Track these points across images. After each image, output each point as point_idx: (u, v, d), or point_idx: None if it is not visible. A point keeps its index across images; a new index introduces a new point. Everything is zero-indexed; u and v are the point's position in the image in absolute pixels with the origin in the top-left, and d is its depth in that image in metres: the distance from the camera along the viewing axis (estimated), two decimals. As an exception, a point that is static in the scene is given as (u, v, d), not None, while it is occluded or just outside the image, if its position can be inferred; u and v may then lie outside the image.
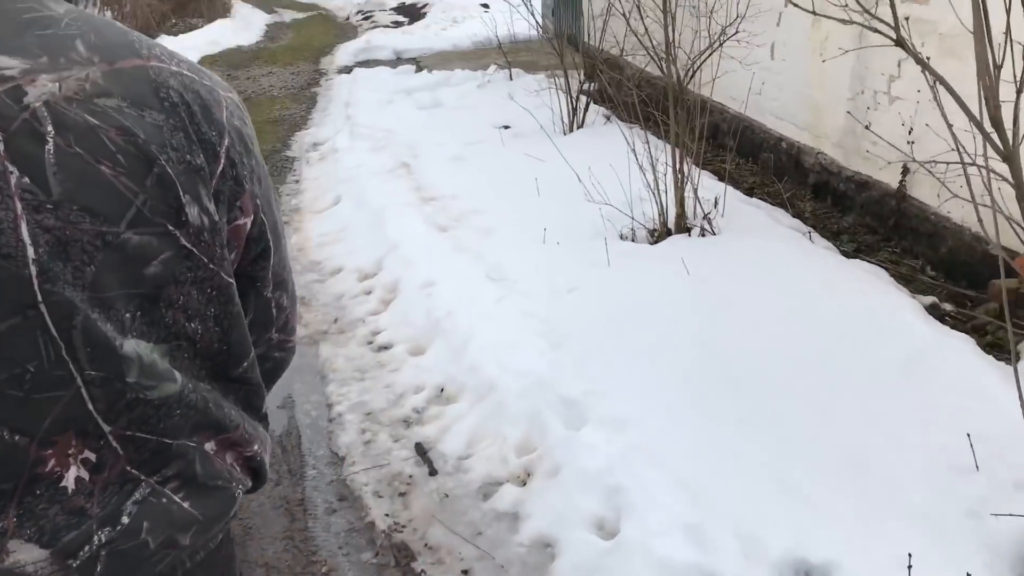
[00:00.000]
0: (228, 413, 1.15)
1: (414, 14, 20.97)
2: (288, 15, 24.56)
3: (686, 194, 5.45)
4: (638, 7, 6.00)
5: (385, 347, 4.59)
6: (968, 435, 3.03)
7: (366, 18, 21.26)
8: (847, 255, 5.21)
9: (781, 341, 3.93)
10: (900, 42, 3.05)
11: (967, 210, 4.92)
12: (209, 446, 1.13)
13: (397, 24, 19.75)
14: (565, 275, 4.85)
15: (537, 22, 15.22)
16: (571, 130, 7.88)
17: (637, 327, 4.18)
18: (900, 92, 5.43)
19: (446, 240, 5.59)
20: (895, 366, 3.71)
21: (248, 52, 16.12)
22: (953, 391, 3.50)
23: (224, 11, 20.53)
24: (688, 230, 5.47)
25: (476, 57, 13.53)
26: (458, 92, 9.94)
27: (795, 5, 3.49)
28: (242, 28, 19.15)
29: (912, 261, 5.23)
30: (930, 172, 3.69)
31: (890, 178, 5.57)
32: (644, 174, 5.46)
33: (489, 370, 3.93)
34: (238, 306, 1.13)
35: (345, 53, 14.35)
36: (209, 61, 14.76)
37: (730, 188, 5.77)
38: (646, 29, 5.71)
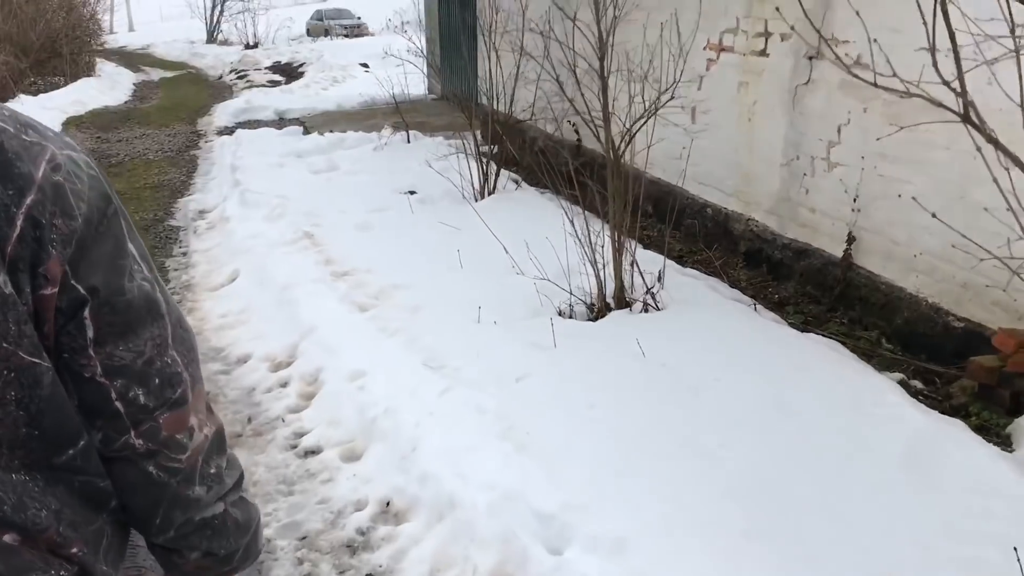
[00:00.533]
0: (34, 514, 1.02)
1: (291, 73, 20.36)
2: (156, 74, 23.56)
3: (624, 266, 5.08)
4: (556, 75, 5.67)
5: (313, 452, 3.97)
6: (1015, 549, 2.67)
7: (240, 77, 20.52)
8: (797, 327, 4.91)
9: (769, 435, 3.54)
10: (967, 119, 2.74)
11: (921, 280, 4.71)
12: (10, 538, 1.00)
13: (274, 83, 19.10)
14: (510, 360, 4.36)
15: (432, 83, 14.91)
16: (482, 196, 7.45)
17: (605, 421, 3.73)
18: (841, 158, 5.21)
19: (369, 322, 5.03)
20: (897, 460, 3.36)
21: (118, 113, 15.17)
22: (968, 489, 3.16)
23: (88, 69, 19.46)
24: (629, 305, 5.08)
25: (363, 117, 13.04)
26: (354, 155, 9.41)
27: (884, 88, 3.13)
28: (108, 87, 18.14)
29: (865, 333, 4.97)
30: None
31: (832, 246, 5.33)
32: (581, 246, 5.06)
33: (447, 481, 3.38)
34: (52, 388, 1.01)
35: (224, 113, 13.63)
36: (75, 123, 13.78)
37: (664, 259, 5.44)
38: (574, 95, 5.36)
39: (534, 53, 6.65)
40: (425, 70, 15.32)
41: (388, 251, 6.22)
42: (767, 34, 5.75)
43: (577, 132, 7.80)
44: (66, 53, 18.25)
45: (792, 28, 4.61)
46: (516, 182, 7.91)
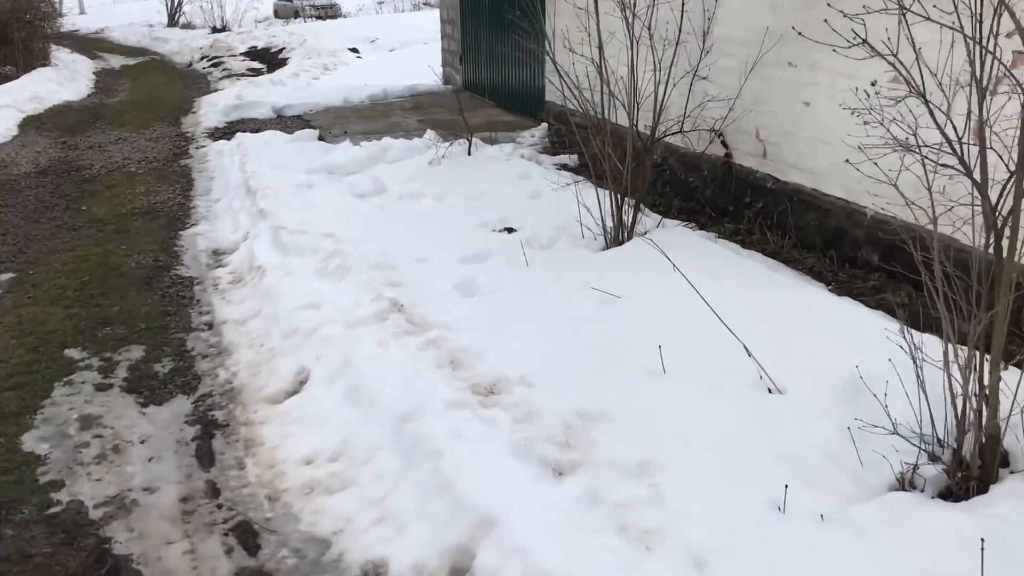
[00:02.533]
0: None
1: (272, 60, 17.94)
2: (116, 60, 20.94)
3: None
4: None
5: None
6: None
7: (214, 64, 18.05)
8: None
9: None
10: None
11: None
12: None
13: (255, 72, 16.70)
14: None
15: (449, 71, 12.62)
16: (617, 239, 5.31)
17: None
18: None
19: (584, 508, 2.91)
20: None
21: (83, 110, 12.70)
22: None
23: (42, 58, 16.88)
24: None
25: (379, 115, 10.83)
26: (403, 172, 7.24)
27: None
28: (67, 79, 15.61)
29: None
30: None
31: None
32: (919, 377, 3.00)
33: None
34: None
35: (212, 110, 11.30)
36: (34, 125, 11.34)
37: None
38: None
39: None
40: (440, 57, 13.13)
41: (530, 338, 4.10)
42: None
43: (725, 144, 5.74)
44: (17, 40, 15.65)
45: None
46: (648, 214, 5.81)
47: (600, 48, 5.18)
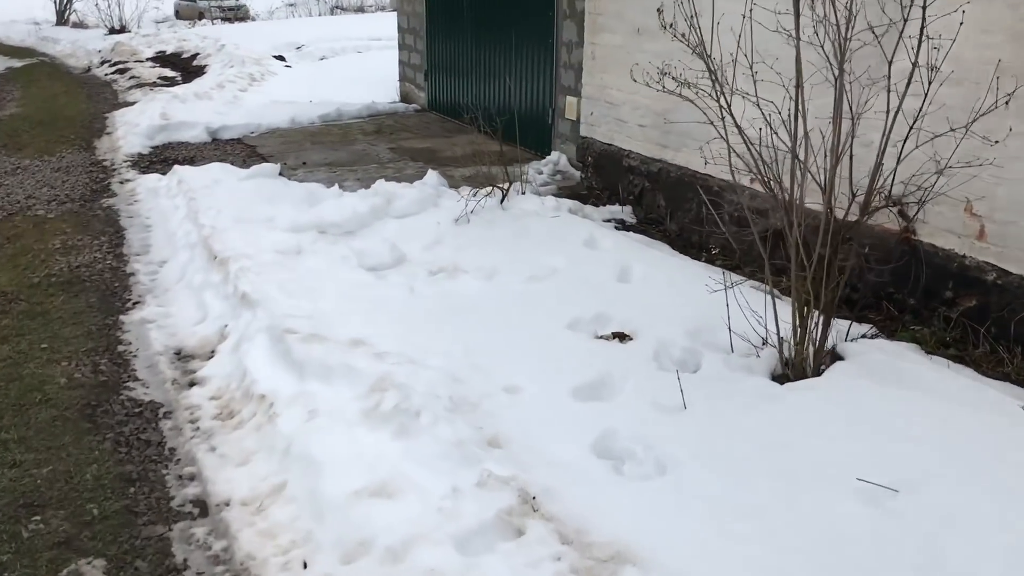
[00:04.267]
0: None
1: (186, 67, 15.64)
2: None
3: None
4: None
5: None
6: None
7: (119, 71, 15.64)
8: None
9: None
10: None
11: None
12: None
13: (168, 81, 14.42)
14: None
15: (408, 88, 10.60)
16: (802, 370, 3.60)
17: None
18: None
19: None
20: None
21: (-36, 126, 10.32)
22: None
23: (-88, 58, 14.20)
24: None
25: (337, 140, 8.94)
26: (421, 232, 5.38)
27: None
28: (-57, 84, 13.06)
29: None
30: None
31: None
32: None
33: None
34: None
35: (132, 132, 9.14)
36: (-97, 145, 8.97)
37: None
38: None
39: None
40: (398, 71, 11.26)
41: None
42: None
43: (904, 215, 4.15)
44: None
45: None
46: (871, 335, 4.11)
47: (799, 87, 3.46)
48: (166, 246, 5.90)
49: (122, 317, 4.85)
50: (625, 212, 5.75)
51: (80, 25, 24.74)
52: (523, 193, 6.00)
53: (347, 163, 8.02)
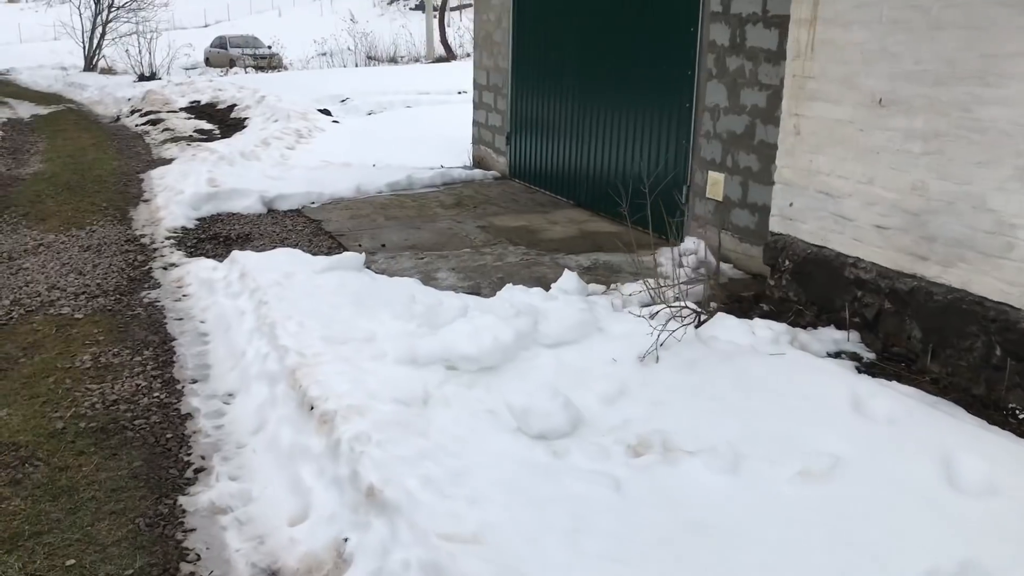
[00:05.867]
0: None
1: (224, 119, 14.24)
2: (24, 108, 16.94)
3: None
4: None
5: None
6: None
7: (151, 122, 14.27)
8: None
9: None
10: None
11: None
12: None
13: (206, 135, 13.02)
14: None
15: (484, 151, 8.98)
16: None
17: None
18: None
19: None
20: None
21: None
22: None
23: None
24: None
25: (414, 214, 7.46)
26: (592, 376, 3.79)
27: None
28: (-39, 134, 11.68)
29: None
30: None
31: None
32: None
33: None
34: None
35: (174, 200, 7.67)
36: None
37: None
38: None
39: None
40: (472, 130, 9.81)
41: None
42: None
43: None
44: None
45: None
46: None
47: None
48: (231, 369, 4.38)
49: (181, 500, 3.30)
50: (852, 341, 4.20)
51: (109, 71, 23.59)
52: (677, 300, 4.43)
53: (433, 246, 6.53)
